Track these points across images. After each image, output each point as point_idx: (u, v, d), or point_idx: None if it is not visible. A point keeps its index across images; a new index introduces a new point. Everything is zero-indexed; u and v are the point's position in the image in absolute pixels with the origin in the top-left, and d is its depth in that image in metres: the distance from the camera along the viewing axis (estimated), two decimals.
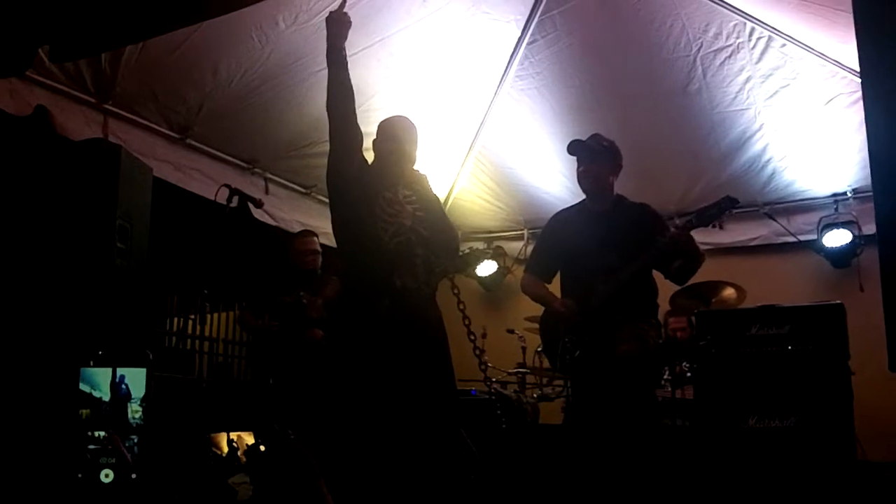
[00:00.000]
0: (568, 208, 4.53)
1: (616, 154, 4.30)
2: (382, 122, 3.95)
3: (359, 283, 3.80)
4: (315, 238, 5.76)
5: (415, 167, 3.94)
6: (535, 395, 6.01)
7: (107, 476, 3.23)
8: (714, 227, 4.08)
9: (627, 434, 3.89)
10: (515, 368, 6.24)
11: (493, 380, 5.85)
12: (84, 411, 3.31)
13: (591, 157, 4.24)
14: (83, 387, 3.33)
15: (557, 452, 4.82)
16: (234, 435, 4.07)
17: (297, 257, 5.60)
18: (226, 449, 4.03)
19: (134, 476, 3.24)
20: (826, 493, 3.91)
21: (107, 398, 3.36)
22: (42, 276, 3.82)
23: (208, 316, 5.09)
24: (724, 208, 4.00)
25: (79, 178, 3.92)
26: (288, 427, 3.07)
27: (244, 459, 3.97)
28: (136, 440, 3.36)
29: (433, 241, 3.77)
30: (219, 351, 8.89)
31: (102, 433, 3.29)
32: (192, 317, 7.73)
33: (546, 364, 5.95)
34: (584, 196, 4.39)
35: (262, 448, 3.16)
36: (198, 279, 4.38)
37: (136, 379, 3.44)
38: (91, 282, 3.81)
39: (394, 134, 3.85)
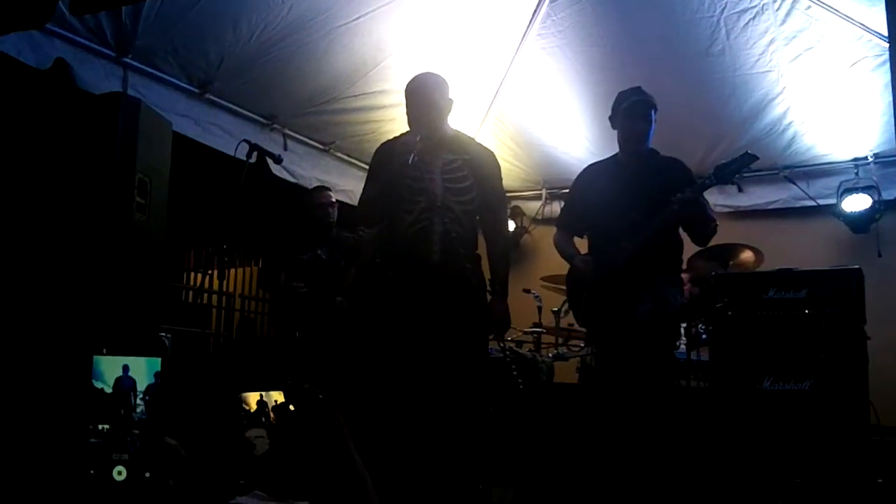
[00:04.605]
0: (599, 162, 4.43)
1: None
2: (406, 87, 3.91)
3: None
4: (331, 192, 5.78)
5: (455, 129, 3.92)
6: (550, 355, 6.03)
7: (119, 473, 3.03)
8: (736, 188, 4.04)
9: (644, 394, 3.88)
10: (531, 328, 6.26)
11: (509, 339, 5.92)
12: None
13: (651, 117, 4.12)
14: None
15: (572, 412, 4.84)
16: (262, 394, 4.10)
17: (317, 210, 5.63)
18: (254, 406, 4.04)
19: (147, 475, 3.06)
20: (839, 457, 3.92)
21: (109, 389, 3.16)
22: (61, 231, 3.83)
23: (227, 271, 5.13)
24: (743, 163, 3.92)
25: (98, 132, 3.92)
26: (317, 387, 3.07)
27: (273, 417, 3.99)
28: (137, 434, 3.16)
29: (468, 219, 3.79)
30: (235, 306, 8.99)
31: (107, 426, 3.12)
32: (210, 272, 7.79)
33: (562, 324, 5.99)
34: (611, 152, 4.32)
35: (292, 408, 3.15)
36: (216, 235, 4.41)
37: (141, 369, 3.23)
38: (110, 237, 3.83)
39: (414, 100, 3.84)
